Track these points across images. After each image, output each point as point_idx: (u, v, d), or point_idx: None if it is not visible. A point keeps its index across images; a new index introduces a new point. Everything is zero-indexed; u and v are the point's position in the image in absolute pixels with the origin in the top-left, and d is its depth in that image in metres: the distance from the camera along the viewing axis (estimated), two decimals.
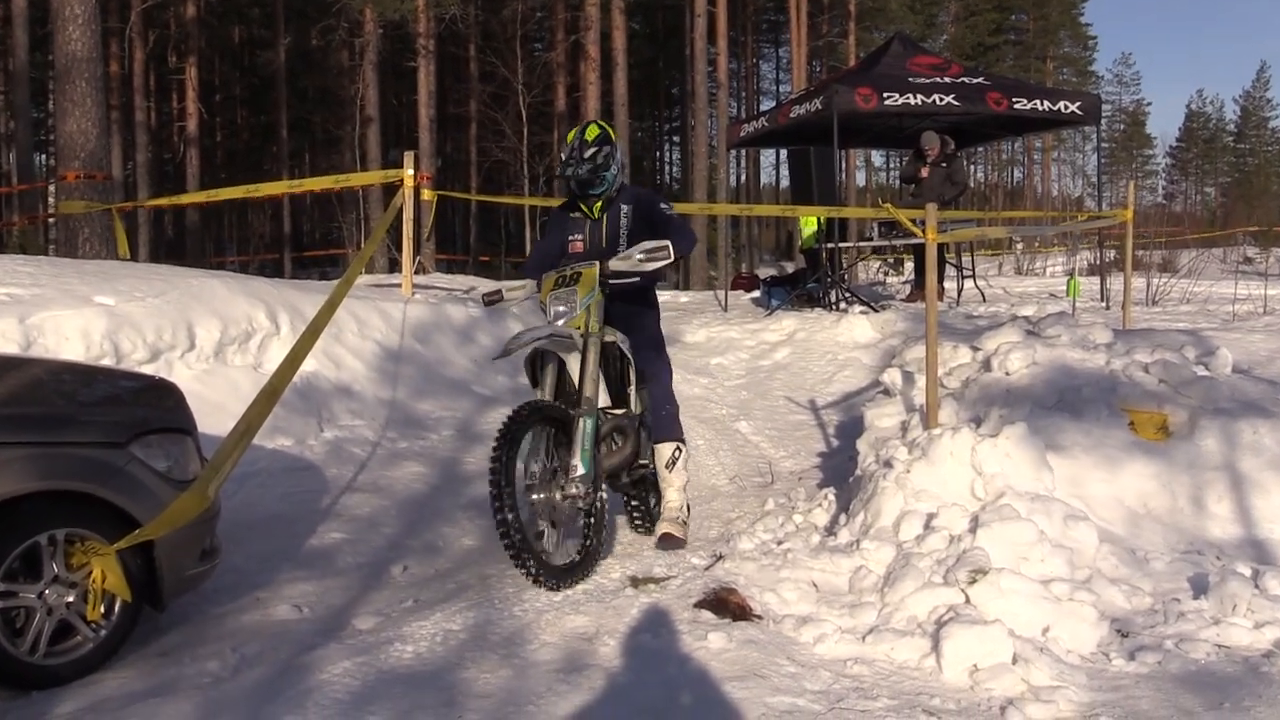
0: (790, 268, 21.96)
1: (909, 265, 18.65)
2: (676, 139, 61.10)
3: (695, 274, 29.79)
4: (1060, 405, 6.39)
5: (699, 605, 4.92)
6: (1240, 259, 33.13)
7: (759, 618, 4.87)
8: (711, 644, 4.54)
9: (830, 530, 5.97)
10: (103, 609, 4.43)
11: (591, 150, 6.05)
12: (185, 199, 22.97)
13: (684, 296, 19.43)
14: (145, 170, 35.85)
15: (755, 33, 55.70)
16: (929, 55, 16.38)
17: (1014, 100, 14.66)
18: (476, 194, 28.85)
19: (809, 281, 15.44)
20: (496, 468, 4.99)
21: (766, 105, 52.62)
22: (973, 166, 68.29)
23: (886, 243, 16.17)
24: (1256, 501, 5.93)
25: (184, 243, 37.25)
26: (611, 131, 6.23)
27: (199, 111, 36.44)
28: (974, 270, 17.01)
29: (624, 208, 6.22)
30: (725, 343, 12.06)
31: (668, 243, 5.55)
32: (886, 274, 20.72)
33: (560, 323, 5.53)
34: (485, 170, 40.03)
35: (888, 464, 5.83)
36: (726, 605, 4.89)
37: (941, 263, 15.63)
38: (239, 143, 47.42)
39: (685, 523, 6.13)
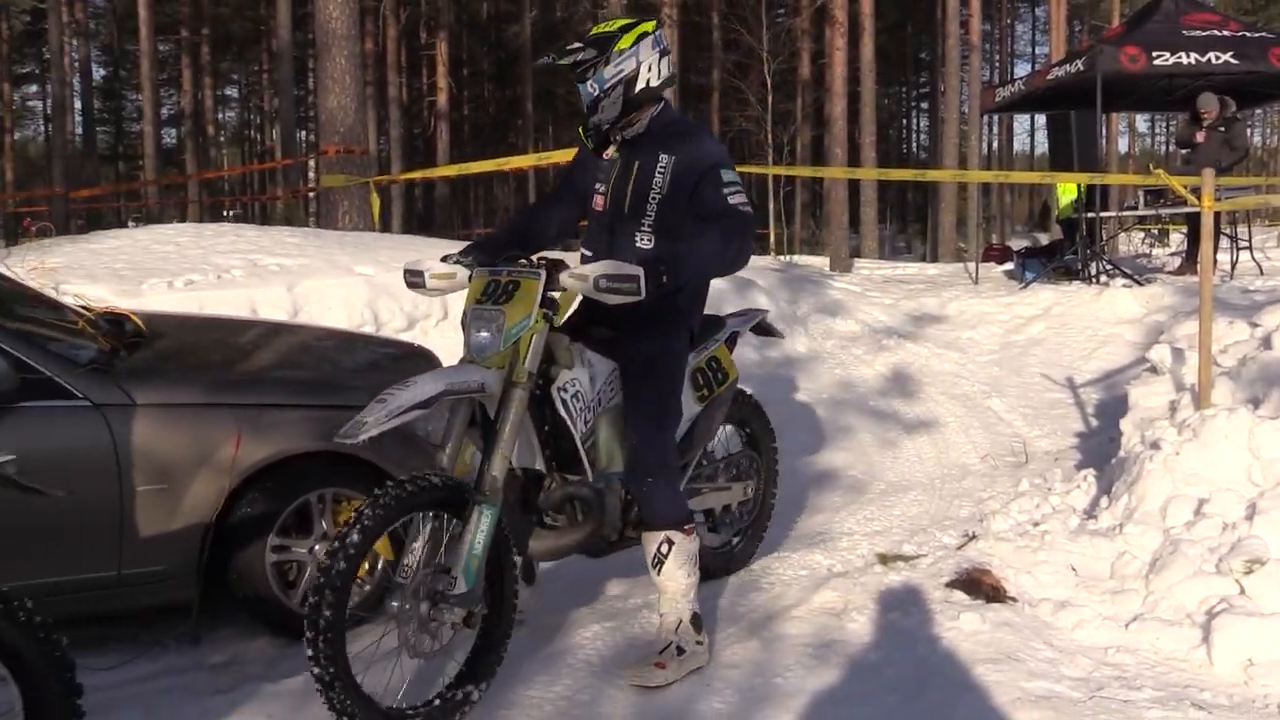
0: (1044, 239, 21.38)
1: (1175, 237, 17.92)
2: (925, 106, 59.95)
3: (944, 245, 29.22)
4: None
5: (950, 585, 4.87)
6: None
7: (1014, 600, 4.78)
8: (964, 625, 4.48)
9: (1090, 513, 5.80)
10: (366, 566, 4.66)
11: (572, 48, 4.15)
12: (437, 172, 23.73)
13: (932, 269, 19.14)
14: (398, 144, 37.19)
15: None
16: (1205, 12, 15.63)
17: None
18: None
19: (1066, 253, 15.01)
20: (324, 586, 3.48)
21: (1022, 69, 51.26)
22: (1251, 130, 65.02)
23: (1153, 212, 15.58)
24: None
25: (433, 215, 38.60)
26: (628, 39, 4.11)
27: (449, 86, 37.54)
28: (1250, 242, 16.21)
29: (664, 157, 4.15)
30: (976, 316, 11.80)
31: (638, 274, 3.66)
32: (1152, 246, 19.95)
33: (479, 356, 3.86)
34: (728, 139, 40.11)
35: (1154, 445, 5.64)
36: (980, 586, 4.83)
37: (1216, 233, 14.92)
38: (486, 116, 48.57)
39: (681, 651, 4.15)
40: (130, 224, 18.10)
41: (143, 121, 35.43)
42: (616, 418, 4.24)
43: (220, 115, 52.58)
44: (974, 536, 5.56)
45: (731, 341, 4.93)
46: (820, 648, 4.42)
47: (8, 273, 5.99)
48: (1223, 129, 14.25)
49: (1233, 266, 15.15)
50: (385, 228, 26.58)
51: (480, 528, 3.71)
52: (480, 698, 3.89)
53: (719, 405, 4.74)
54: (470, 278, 4.11)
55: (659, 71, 4.17)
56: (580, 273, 3.83)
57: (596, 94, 4.09)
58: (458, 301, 8.41)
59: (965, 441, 8.16)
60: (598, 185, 4.34)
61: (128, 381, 4.35)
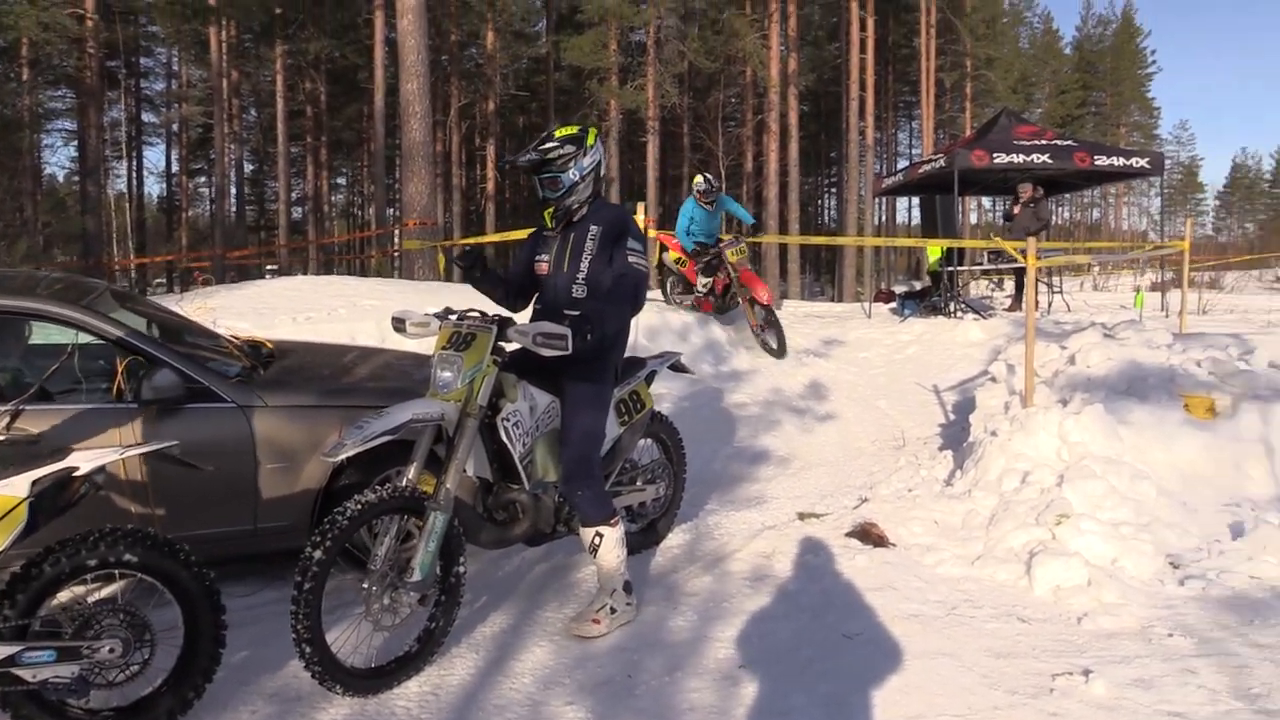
0: (918, 285, 21.41)
1: (1009, 284, 17.96)
2: (834, 190, 60.02)
3: (846, 289, 29.24)
4: (1130, 391, 6.07)
5: (848, 535, 4.85)
6: (1275, 278, 30.77)
7: (893, 545, 4.78)
8: (857, 563, 4.49)
9: (948, 482, 5.80)
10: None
11: (550, 145, 3.92)
12: (485, 239, 23.78)
13: (838, 307, 19.07)
14: (458, 219, 37.27)
15: (894, 110, 54.26)
16: (1030, 125, 15.68)
17: (1095, 157, 13.95)
18: None
19: (933, 296, 15.02)
20: (298, 598, 3.26)
21: (902, 164, 51.38)
22: (1060, 208, 65.31)
23: (994, 267, 15.60)
24: None
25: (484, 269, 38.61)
26: (592, 138, 4.04)
27: (495, 177, 37.61)
28: (1061, 287, 16.27)
29: (592, 229, 4.00)
30: (869, 341, 11.78)
31: (567, 333, 3.53)
32: (992, 291, 19.94)
33: (441, 391, 3.66)
34: None
35: (993, 433, 5.65)
36: (869, 535, 4.82)
37: (1035, 282, 14.99)
38: (522, 198, 48.47)
39: (611, 611, 3.96)
40: (267, 276, 18.06)
41: (278, 202, 35.40)
42: (552, 439, 3.98)
43: (333, 197, 52.57)
44: (866, 500, 5.54)
45: (650, 378, 4.63)
46: (755, 580, 4.40)
47: (180, 311, 5.95)
48: (1033, 205, 14.36)
49: (1049, 305, 15.19)
50: (448, 278, 26.43)
51: (434, 530, 3.52)
52: (438, 648, 3.66)
53: (637, 428, 4.49)
54: (440, 327, 3.87)
55: (605, 165, 4.10)
56: (523, 329, 3.61)
57: (576, 179, 3.92)
58: None
59: (860, 430, 8.14)
60: (541, 256, 4.09)
61: (262, 389, 4.33)
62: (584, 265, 3.96)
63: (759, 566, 4.54)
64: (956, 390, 9.26)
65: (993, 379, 7.04)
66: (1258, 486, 5.50)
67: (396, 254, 17.45)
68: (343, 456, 3.41)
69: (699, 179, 11.20)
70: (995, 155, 13.54)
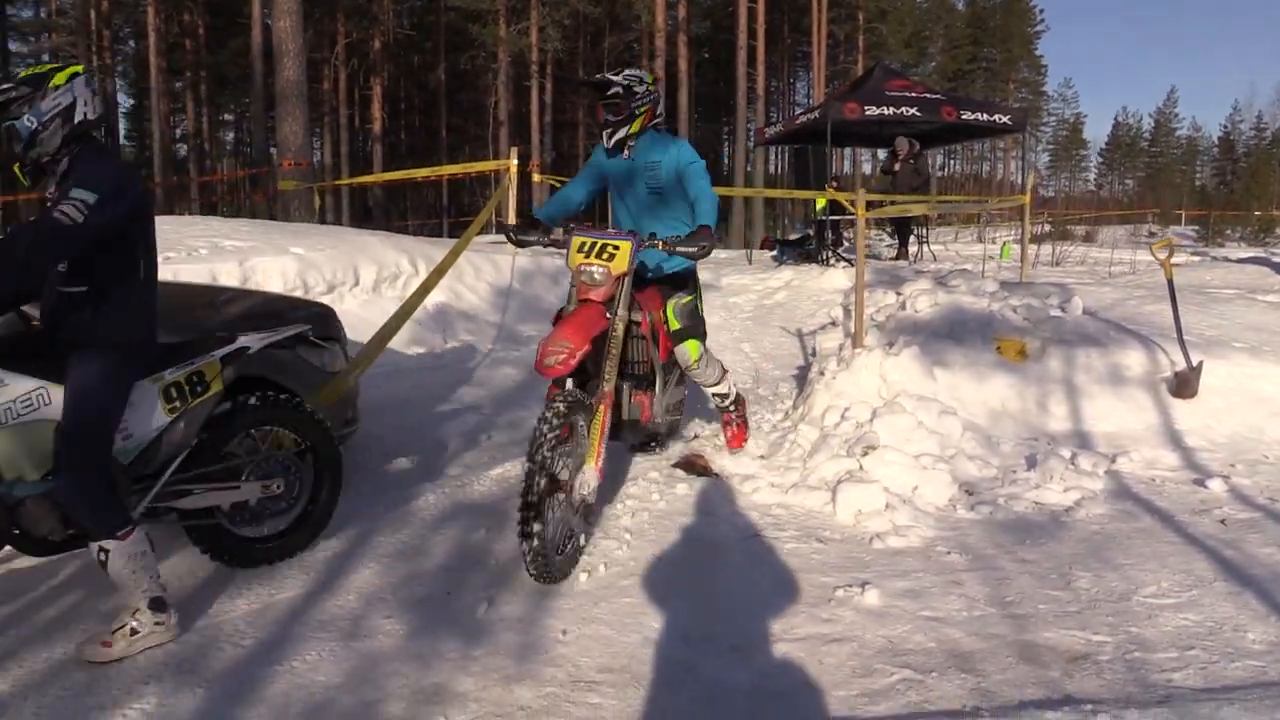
0: (811, 231, 21.97)
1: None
2: (729, 138, 60.55)
3: (734, 236, 29.69)
4: (950, 335, 6.49)
5: (675, 465, 5.13)
6: (1145, 234, 32.35)
7: (716, 475, 5.08)
8: (678, 490, 4.78)
9: (783, 417, 6.13)
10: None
11: (9, 86, 3.28)
12: (364, 180, 23.49)
13: (721, 254, 19.42)
14: (346, 159, 36.59)
15: (791, 60, 54.81)
16: (902, 79, 16.16)
17: (962, 111, 14.50)
18: None
19: (808, 244, 15.47)
20: None
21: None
22: (951, 160, 67.12)
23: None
24: (1084, 405, 6.02)
25: (370, 211, 38.14)
26: (62, 77, 3.31)
27: (382, 117, 36.98)
28: (928, 238, 16.92)
29: (68, 187, 3.17)
30: (741, 287, 12.14)
31: None
32: (882, 241, 20.49)
33: None
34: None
35: (822, 372, 6.00)
36: (694, 465, 5.12)
37: (907, 231, 15.62)
38: (415, 140, 47.77)
39: (132, 632, 3.35)
40: None
41: (154, 139, 34.20)
42: (29, 433, 3.26)
43: (222, 135, 50.98)
44: (698, 435, 5.81)
45: (231, 358, 3.84)
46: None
47: None
48: (913, 162, 14.85)
49: (919, 255, 15.81)
50: (337, 220, 26.03)
51: None
52: None
53: (194, 415, 3.67)
54: None
55: (94, 108, 3.37)
56: None
57: (34, 127, 3.23)
58: (366, 270, 8.35)
59: None
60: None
61: None
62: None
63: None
64: (816, 334, 9.61)
65: (833, 323, 7.42)
66: (1058, 423, 5.99)
67: (274, 196, 17.20)
68: None
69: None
70: (867, 107, 13.97)
